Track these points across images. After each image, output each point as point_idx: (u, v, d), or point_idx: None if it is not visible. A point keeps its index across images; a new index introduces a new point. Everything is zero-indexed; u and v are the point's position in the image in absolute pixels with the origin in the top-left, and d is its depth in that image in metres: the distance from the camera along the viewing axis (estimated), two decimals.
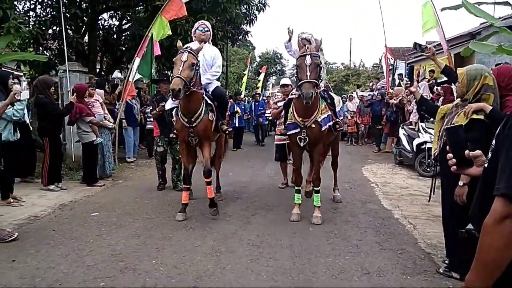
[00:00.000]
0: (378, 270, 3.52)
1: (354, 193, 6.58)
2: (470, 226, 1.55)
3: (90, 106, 6.79)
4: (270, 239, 4.28)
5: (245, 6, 11.98)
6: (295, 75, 4.80)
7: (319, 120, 4.72)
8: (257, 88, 23.16)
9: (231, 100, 13.84)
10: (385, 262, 3.71)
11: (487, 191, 1.31)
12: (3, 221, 4.75)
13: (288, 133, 4.97)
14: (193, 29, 5.56)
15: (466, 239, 1.55)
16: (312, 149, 5.03)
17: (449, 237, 3.37)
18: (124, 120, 9.09)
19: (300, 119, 4.72)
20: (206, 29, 5.42)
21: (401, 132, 9.43)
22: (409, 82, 5.94)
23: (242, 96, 16.34)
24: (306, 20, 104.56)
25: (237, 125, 12.55)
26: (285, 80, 7.51)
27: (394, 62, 16.11)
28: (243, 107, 13.97)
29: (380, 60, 20.42)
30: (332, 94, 5.45)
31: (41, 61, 9.44)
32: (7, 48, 9.10)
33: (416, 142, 8.34)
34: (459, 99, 3.44)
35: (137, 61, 8.30)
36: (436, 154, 3.51)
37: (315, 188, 5.09)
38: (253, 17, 12.80)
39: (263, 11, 12.74)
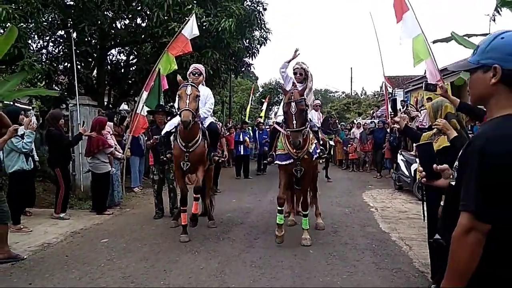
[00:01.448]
0: None
1: (353, 218, 6.79)
2: (437, 236, 1.75)
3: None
4: (272, 260, 4.50)
5: (247, 40, 12.53)
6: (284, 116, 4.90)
7: (310, 150, 5.00)
8: (260, 117, 23.63)
9: (236, 129, 14.23)
10: (381, 280, 3.93)
11: (451, 206, 1.50)
12: (19, 248, 5.02)
13: (280, 163, 5.12)
14: (188, 72, 5.90)
15: (436, 247, 1.75)
16: (303, 178, 5.19)
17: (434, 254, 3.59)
18: (128, 149, 9.44)
19: (294, 150, 4.93)
20: (198, 72, 5.75)
21: (399, 157, 9.69)
22: (392, 113, 6.30)
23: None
24: (307, 50, 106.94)
25: (242, 153, 12.81)
26: None
27: (392, 91, 16.59)
28: (248, 135, 14.18)
29: (381, 88, 20.98)
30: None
31: (53, 96, 9.99)
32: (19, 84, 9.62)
33: (413, 167, 8.57)
34: (435, 128, 3.76)
35: (144, 94, 8.73)
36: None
37: (303, 213, 5.35)
38: (255, 51, 13.32)
39: (265, 44, 13.28)
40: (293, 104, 4.63)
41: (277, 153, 5.16)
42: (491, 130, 1.42)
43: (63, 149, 6.70)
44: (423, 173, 1.87)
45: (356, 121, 17.98)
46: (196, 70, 5.79)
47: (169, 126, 5.78)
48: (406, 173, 9.00)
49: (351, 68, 57.73)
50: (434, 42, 8.44)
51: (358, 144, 14.58)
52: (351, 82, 39.21)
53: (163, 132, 5.88)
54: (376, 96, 30.69)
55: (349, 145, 14.74)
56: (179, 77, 5.26)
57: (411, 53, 7.74)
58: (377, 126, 13.69)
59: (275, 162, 5.23)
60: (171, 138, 5.50)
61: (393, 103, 10.67)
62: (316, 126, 5.58)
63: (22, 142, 5.70)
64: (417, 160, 8.78)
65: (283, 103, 4.93)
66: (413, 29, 7.65)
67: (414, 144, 3.56)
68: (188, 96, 4.84)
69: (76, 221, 6.50)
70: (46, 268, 4.30)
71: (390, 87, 16.23)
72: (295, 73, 5.44)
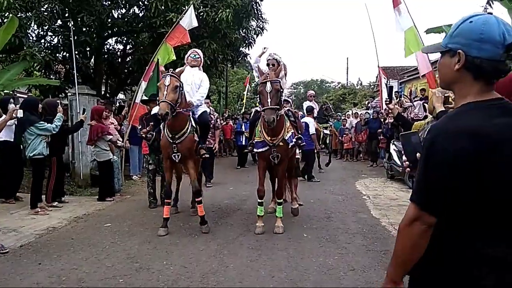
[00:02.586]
0: (363, 267, 4.00)
1: (346, 205, 7.06)
2: None
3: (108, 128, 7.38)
4: (267, 243, 4.76)
5: (244, 30, 12.65)
6: (258, 101, 5.11)
7: (286, 138, 5.13)
8: (257, 106, 23.71)
9: (234, 118, 14.34)
10: (370, 261, 4.19)
11: None
12: (25, 231, 5.26)
13: (256, 151, 5.30)
14: (186, 55, 5.99)
15: None
16: (278, 165, 5.29)
17: None
18: (127, 141, 9.62)
19: (269, 138, 5.08)
20: (197, 56, 5.86)
21: (392, 147, 9.96)
22: (388, 100, 6.42)
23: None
24: (303, 41, 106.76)
25: (243, 143, 12.90)
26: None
27: (387, 81, 16.80)
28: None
29: (377, 78, 21.16)
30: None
31: (52, 85, 10.12)
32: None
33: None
34: (430, 115, 3.97)
35: (143, 84, 8.88)
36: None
37: (278, 201, 5.48)
38: (252, 41, 13.45)
39: (261, 35, 13.40)
40: (268, 83, 4.76)
41: (254, 141, 5.31)
42: (446, 122, 1.36)
43: (60, 138, 6.86)
44: (407, 162, 1.80)
45: (352, 111, 18.22)
46: (194, 52, 5.88)
47: (156, 109, 5.59)
48: (398, 162, 9.26)
49: (347, 58, 57.28)
50: (427, 32, 8.66)
51: (353, 134, 14.85)
52: (347, 72, 39.16)
53: (153, 112, 5.90)
54: (372, 87, 30.90)
55: (344, 135, 15.01)
56: (161, 67, 5.33)
57: (403, 45, 7.97)
58: (371, 117, 13.95)
59: (253, 150, 5.35)
60: (161, 126, 5.39)
61: (390, 90, 10.91)
62: (294, 116, 5.64)
63: (54, 124, 6.14)
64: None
65: (258, 83, 5.02)
66: (406, 21, 7.86)
67: (400, 134, 3.65)
68: (166, 87, 4.76)
69: (79, 207, 6.72)
70: (54, 250, 4.53)
71: (385, 77, 16.42)
72: (268, 65, 5.56)
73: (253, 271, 3.90)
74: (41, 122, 6.12)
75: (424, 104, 9.07)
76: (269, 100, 4.71)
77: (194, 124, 5.36)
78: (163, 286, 3.58)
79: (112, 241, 4.87)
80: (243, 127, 13.02)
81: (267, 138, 5.10)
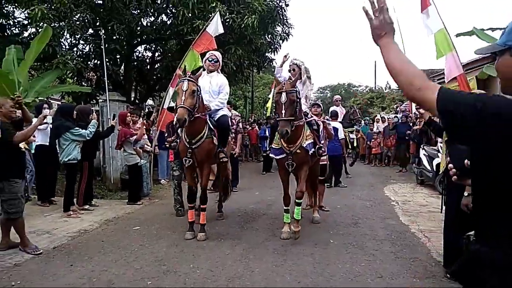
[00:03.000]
0: (391, 275, 3.92)
1: (374, 211, 6.93)
2: (472, 233, 1.59)
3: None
4: (293, 248, 4.74)
5: (269, 36, 12.70)
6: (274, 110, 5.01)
7: (304, 145, 5.04)
8: None
9: (259, 124, 14.37)
10: (398, 268, 4.10)
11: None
12: (58, 233, 5.45)
13: (274, 157, 5.32)
14: (204, 58, 5.90)
15: (465, 244, 1.64)
16: (297, 171, 5.27)
17: (449, 244, 3.75)
18: (156, 146, 9.81)
19: (286, 145, 5.05)
20: (215, 59, 5.73)
21: (422, 152, 9.72)
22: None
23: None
24: (329, 45, 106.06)
25: (267, 148, 12.87)
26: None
27: None
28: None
29: None
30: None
31: (84, 91, 10.50)
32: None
33: (436, 161, 8.62)
34: None
35: (171, 90, 9.04)
36: (444, 169, 3.93)
37: (297, 201, 5.26)
38: (277, 46, 13.46)
39: (287, 40, 13.38)
40: (283, 94, 4.72)
41: (272, 146, 5.31)
42: None
43: (92, 143, 7.08)
44: (453, 170, 1.75)
45: (380, 115, 17.89)
46: (212, 56, 5.78)
47: None
48: (428, 167, 9.04)
49: (375, 62, 56.46)
50: (457, 35, 8.43)
51: (382, 139, 14.58)
52: (375, 76, 38.55)
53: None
54: (401, 90, 30.22)
55: (372, 140, 14.76)
56: (178, 71, 5.35)
57: (434, 47, 7.78)
58: (400, 121, 13.66)
59: (270, 155, 5.35)
60: (178, 130, 5.38)
61: None
62: (317, 125, 5.55)
63: (88, 130, 6.41)
64: (439, 154, 8.80)
65: (275, 93, 5.01)
66: (435, 23, 7.68)
67: (439, 140, 3.53)
68: (184, 93, 4.72)
69: (109, 210, 6.91)
70: (85, 252, 4.67)
71: None
72: (289, 71, 5.55)
73: (278, 276, 3.89)
74: (76, 128, 6.35)
75: None
76: (283, 111, 4.67)
77: (212, 128, 5.32)
78: None
79: (141, 244, 4.97)
80: (267, 132, 13.02)
81: (284, 145, 5.07)
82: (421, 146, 10.28)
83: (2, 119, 4.48)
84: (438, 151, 8.79)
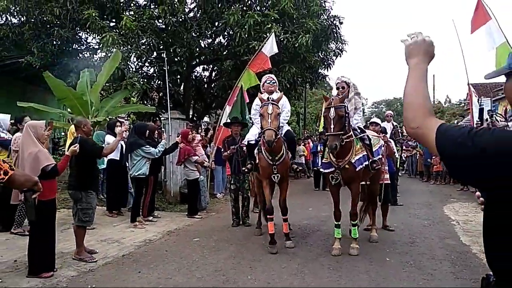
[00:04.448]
0: None
1: (432, 230, 6.75)
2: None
3: (194, 149, 8.01)
4: (348, 265, 4.78)
5: (323, 53, 12.84)
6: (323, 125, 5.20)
7: (353, 161, 5.07)
8: None
9: (312, 139, 14.40)
10: None
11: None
12: (126, 243, 5.90)
13: (323, 171, 5.51)
14: (261, 83, 6.31)
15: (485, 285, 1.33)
16: (349, 187, 5.37)
17: None
18: (213, 162, 10.23)
19: (335, 159, 5.13)
20: (273, 81, 6.15)
21: None
22: (479, 122, 5.88)
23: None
24: (384, 60, 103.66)
25: (319, 164, 12.86)
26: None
27: (478, 99, 15.67)
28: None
29: (467, 96, 19.82)
30: (371, 133, 5.84)
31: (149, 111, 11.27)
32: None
33: None
34: None
35: (227, 108, 9.46)
36: None
37: (352, 222, 5.37)
38: (331, 62, 13.52)
39: (340, 56, 13.37)
40: (332, 109, 4.84)
41: (322, 161, 5.51)
42: None
43: (158, 159, 7.60)
44: (481, 199, 1.55)
45: None
46: (270, 78, 6.20)
47: (249, 136, 6.19)
48: None
49: (433, 76, 54.43)
50: None
51: None
52: (433, 90, 37.09)
53: (244, 141, 6.34)
54: (462, 105, 28.88)
55: (433, 157, 14.22)
56: (260, 95, 5.68)
57: (495, 61, 7.55)
58: None
59: (319, 169, 5.52)
60: (255, 150, 5.76)
61: (480, 112, 10.24)
62: (368, 138, 5.58)
63: (157, 149, 6.97)
64: None
65: (323, 109, 5.16)
66: (497, 37, 7.46)
67: None
68: (269, 115, 5.05)
69: (170, 222, 7.34)
70: (151, 260, 5.04)
71: (476, 95, 15.36)
72: (337, 88, 5.64)
73: None
74: (147, 146, 6.88)
75: None
76: (332, 126, 4.79)
77: (286, 144, 5.66)
78: None
79: (201, 254, 5.26)
80: (318, 147, 13.03)
81: (333, 159, 5.17)
82: None
83: (81, 135, 5.02)
84: None
